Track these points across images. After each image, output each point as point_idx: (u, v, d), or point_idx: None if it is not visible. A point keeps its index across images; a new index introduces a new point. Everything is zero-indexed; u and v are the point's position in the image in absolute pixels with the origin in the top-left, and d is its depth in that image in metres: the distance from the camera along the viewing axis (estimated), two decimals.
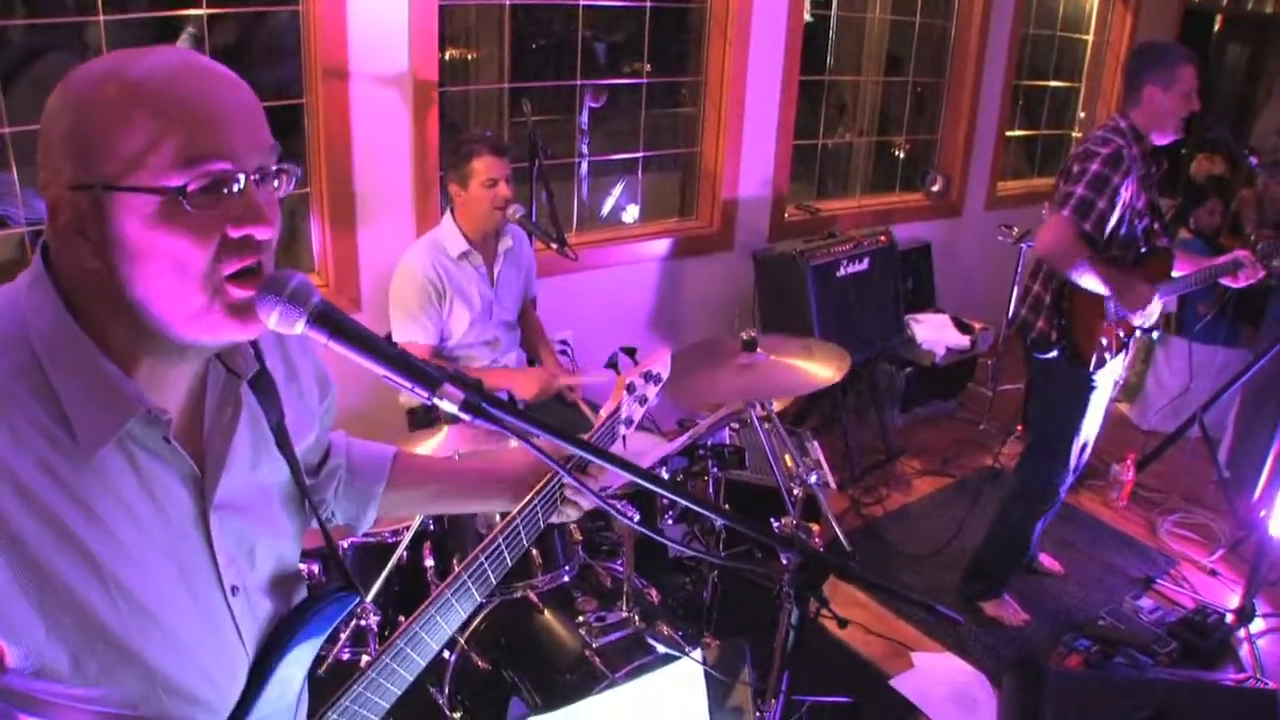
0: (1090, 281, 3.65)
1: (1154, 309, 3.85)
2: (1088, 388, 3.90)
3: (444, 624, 1.68)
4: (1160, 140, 3.77)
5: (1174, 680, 3.50)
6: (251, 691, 1.39)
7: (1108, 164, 3.61)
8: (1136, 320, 3.83)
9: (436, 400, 1.23)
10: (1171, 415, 5.76)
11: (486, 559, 1.72)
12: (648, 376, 1.96)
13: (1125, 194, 3.64)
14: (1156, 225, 3.91)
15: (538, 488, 1.73)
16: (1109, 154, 3.62)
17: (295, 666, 1.47)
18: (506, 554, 1.74)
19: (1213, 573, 4.77)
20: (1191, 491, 5.45)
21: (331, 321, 1.21)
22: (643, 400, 1.96)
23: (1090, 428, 4.04)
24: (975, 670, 3.96)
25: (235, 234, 1.16)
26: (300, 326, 1.20)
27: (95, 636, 1.18)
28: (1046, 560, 4.61)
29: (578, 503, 1.80)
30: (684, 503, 1.53)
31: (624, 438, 1.96)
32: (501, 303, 3.93)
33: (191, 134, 1.12)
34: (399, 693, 1.58)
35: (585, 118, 5.47)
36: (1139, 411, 6.32)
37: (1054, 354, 3.89)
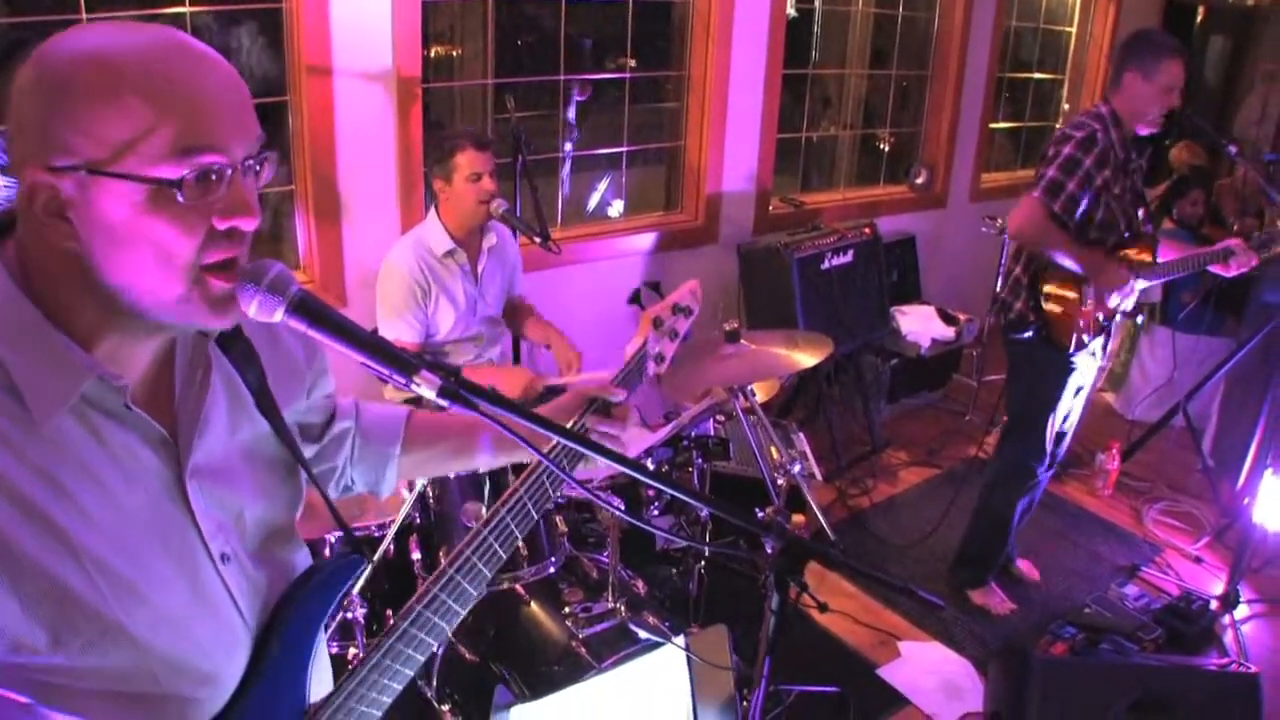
0: (1062, 261, 3.72)
1: (1132, 292, 3.86)
2: (1066, 369, 3.93)
3: (448, 609, 1.54)
4: (1141, 130, 3.79)
5: (1158, 665, 3.51)
6: (257, 663, 1.36)
7: (1080, 147, 3.67)
8: (1113, 302, 3.84)
9: (414, 386, 1.23)
10: (1156, 404, 5.79)
11: (493, 538, 1.58)
12: (676, 309, 1.87)
13: (1099, 178, 3.68)
14: (1140, 212, 3.93)
15: (525, 474, 1.62)
16: (1083, 137, 3.68)
17: (303, 634, 1.42)
18: (514, 527, 1.60)
19: (1197, 560, 4.80)
20: (1176, 480, 5.48)
21: (310, 310, 1.21)
22: (673, 335, 1.88)
23: (1070, 412, 4.06)
24: (962, 659, 3.99)
25: (223, 226, 1.15)
26: (279, 315, 1.20)
27: (74, 611, 1.14)
28: (1024, 566, 4.60)
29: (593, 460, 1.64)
30: (668, 491, 1.53)
31: (657, 376, 1.88)
32: (485, 299, 3.93)
33: (186, 123, 1.10)
34: (400, 689, 1.50)
35: (573, 113, 5.48)
36: (1124, 401, 6.35)
37: (1029, 334, 3.93)
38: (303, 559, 1.50)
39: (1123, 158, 3.76)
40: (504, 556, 1.57)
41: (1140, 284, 3.89)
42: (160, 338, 1.26)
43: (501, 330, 4.10)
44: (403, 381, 1.23)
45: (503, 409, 1.28)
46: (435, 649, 1.47)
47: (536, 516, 1.63)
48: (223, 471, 1.32)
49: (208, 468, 1.29)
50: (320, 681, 1.49)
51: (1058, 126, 7.82)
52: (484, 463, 1.77)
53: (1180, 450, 5.64)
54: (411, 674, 1.48)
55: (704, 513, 3.63)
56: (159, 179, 1.09)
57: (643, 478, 1.46)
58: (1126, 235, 3.88)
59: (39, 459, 1.12)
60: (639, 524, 3.36)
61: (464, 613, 1.52)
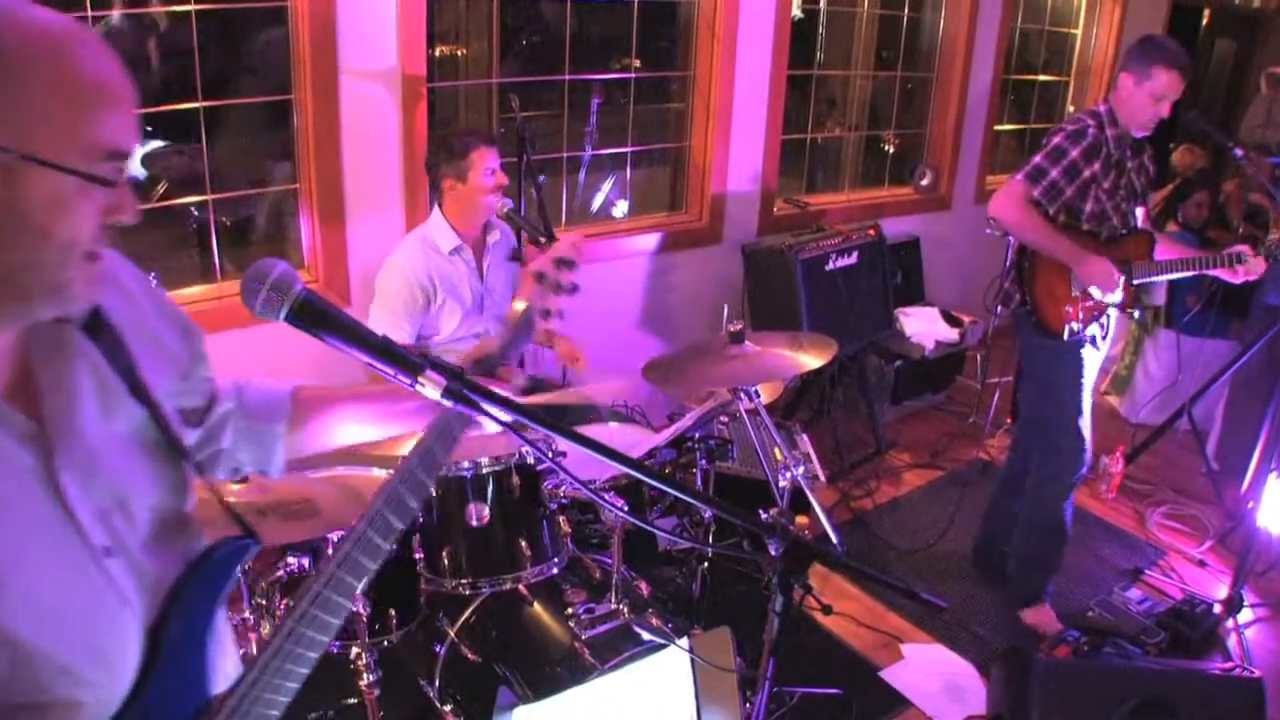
0: (1040, 245, 3.81)
1: (1117, 286, 3.86)
2: (1076, 359, 3.94)
3: (349, 587, 1.42)
4: (1136, 133, 3.83)
5: (1162, 669, 3.51)
6: (152, 658, 1.30)
7: (1069, 138, 3.75)
8: (1095, 294, 3.85)
9: (419, 387, 1.23)
10: (1160, 407, 5.78)
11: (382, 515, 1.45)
12: (559, 263, 1.87)
13: (1087, 170, 3.75)
14: (1139, 210, 3.95)
15: (429, 428, 1.47)
16: (1073, 130, 3.77)
17: (198, 624, 1.37)
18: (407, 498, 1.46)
19: (1201, 563, 4.79)
20: (1180, 483, 5.47)
21: (314, 310, 1.21)
22: (558, 288, 1.87)
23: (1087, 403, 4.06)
24: (964, 661, 3.98)
25: (110, 220, 1.18)
26: (283, 316, 1.20)
27: None
28: None
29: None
30: (671, 492, 1.52)
31: (547, 331, 1.83)
32: (492, 295, 3.93)
33: (120, 124, 1.14)
34: (305, 673, 1.39)
35: (594, 118, 5.49)
36: (1128, 404, 6.34)
37: (1022, 307, 3.96)
38: (199, 543, 1.45)
39: (1116, 154, 3.80)
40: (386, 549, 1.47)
41: (1135, 281, 3.89)
42: (15, 329, 1.24)
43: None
44: (408, 382, 1.23)
45: (504, 408, 1.27)
46: (334, 632, 1.38)
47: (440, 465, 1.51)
48: (99, 461, 1.28)
49: (81, 458, 1.25)
50: (226, 669, 1.45)
51: None
52: (375, 434, 1.70)
53: (1184, 453, 5.64)
54: (316, 656, 1.37)
55: (707, 514, 3.63)
56: (95, 175, 1.12)
57: (646, 479, 1.46)
58: (1122, 232, 3.90)
59: None
60: (643, 524, 3.35)
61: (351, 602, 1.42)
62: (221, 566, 1.40)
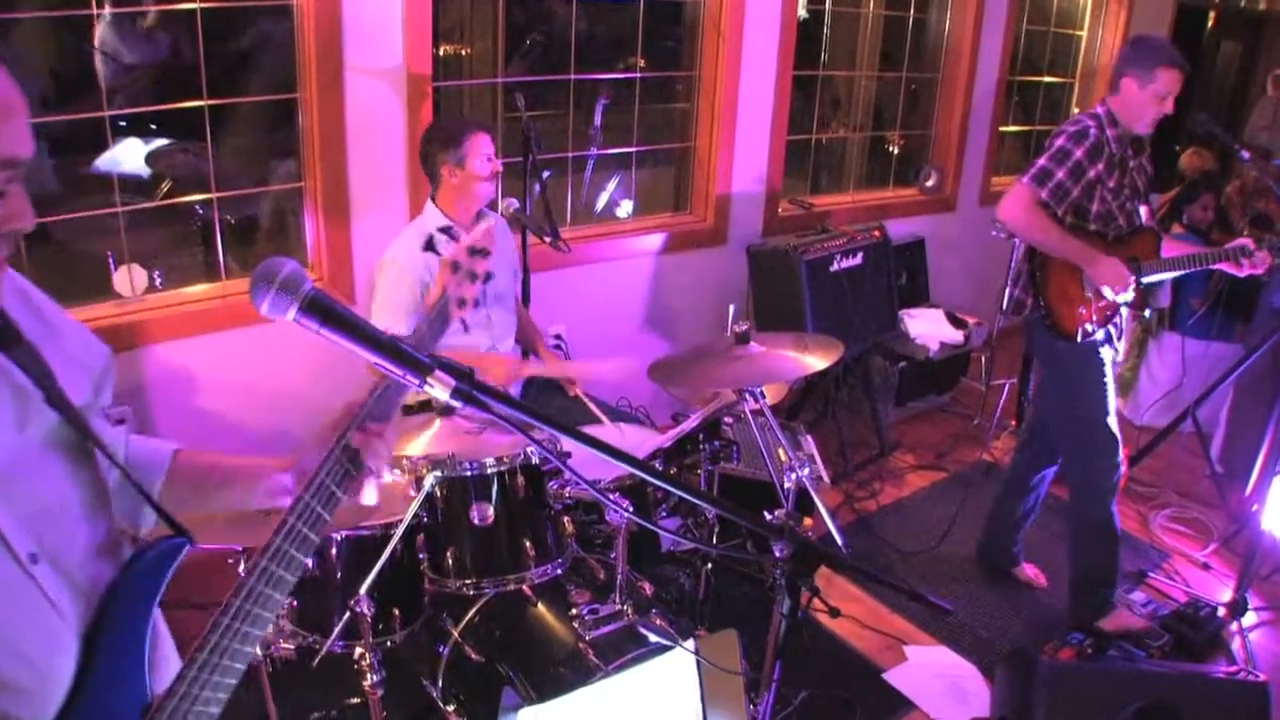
0: (1050, 247, 3.82)
1: (1130, 285, 3.86)
2: (1098, 359, 3.94)
3: (265, 613, 1.42)
4: (1139, 130, 3.86)
5: (1166, 672, 3.50)
6: (87, 663, 1.30)
7: (1072, 139, 3.77)
8: (1108, 294, 3.85)
9: (427, 387, 1.22)
10: (1164, 410, 5.77)
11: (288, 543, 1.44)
12: (472, 251, 1.87)
13: (1092, 170, 3.76)
14: (1143, 208, 3.96)
15: (318, 466, 1.47)
16: (1075, 131, 3.79)
17: (134, 626, 1.37)
18: (307, 532, 1.46)
19: (1205, 567, 4.78)
20: (1184, 486, 5.47)
21: (322, 309, 1.21)
22: (472, 276, 1.88)
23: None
24: (968, 663, 3.98)
25: (6, 229, 1.19)
26: (292, 314, 1.20)
27: None
28: (1030, 570, 4.59)
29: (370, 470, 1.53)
30: (676, 493, 1.52)
31: (462, 320, 1.85)
32: (495, 291, 3.92)
33: (10, 135, 1.14)
34: (243, 668, 1.40)
35: (599, 119, 5.49)
36: (1132, 406, 6.33)
37: (1036, 315, 3.96)
38: (126, 550, 1.46)
39: (1118, 153, 3.82)
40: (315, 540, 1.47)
41: (1144, 279, 3.90)
42: None
43: (514, 321, 4.08)
44: (416, 382, 1.23)
45: (513, 410, 1.27)
46: (270, 625, 1.36)
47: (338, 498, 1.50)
48: (17, 468, 1.27)
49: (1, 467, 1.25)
50: (165, 671, 1.44)
51: None
52: (243, 502, 1.69)
53: (1188, 456, 5.63)
54: (253, 650, 1.40)
55: (711, 514, 3.62)
56: None
57: (651, 479, 1.45)
58: (1128, 231, 3.92)
59: None
60: (648, 525, 3.34)
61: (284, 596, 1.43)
62: (155, 567, 1.39)
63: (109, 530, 1.43)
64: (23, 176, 1.18)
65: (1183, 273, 4.04)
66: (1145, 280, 3.90)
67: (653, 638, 2.71)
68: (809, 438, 4.22)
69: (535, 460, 2.99)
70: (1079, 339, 3.87)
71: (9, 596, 1.23)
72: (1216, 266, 4.04)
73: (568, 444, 2.83)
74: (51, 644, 1.27)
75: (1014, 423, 6.07)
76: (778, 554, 1.62)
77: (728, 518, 3.74)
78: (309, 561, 1.37)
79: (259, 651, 2.81)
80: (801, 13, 5.75)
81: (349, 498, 1.49)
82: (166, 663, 1.46)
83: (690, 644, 2.63)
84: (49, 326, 1.37)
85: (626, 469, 1.43)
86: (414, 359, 1.22)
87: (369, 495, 1.51)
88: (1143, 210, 3.99)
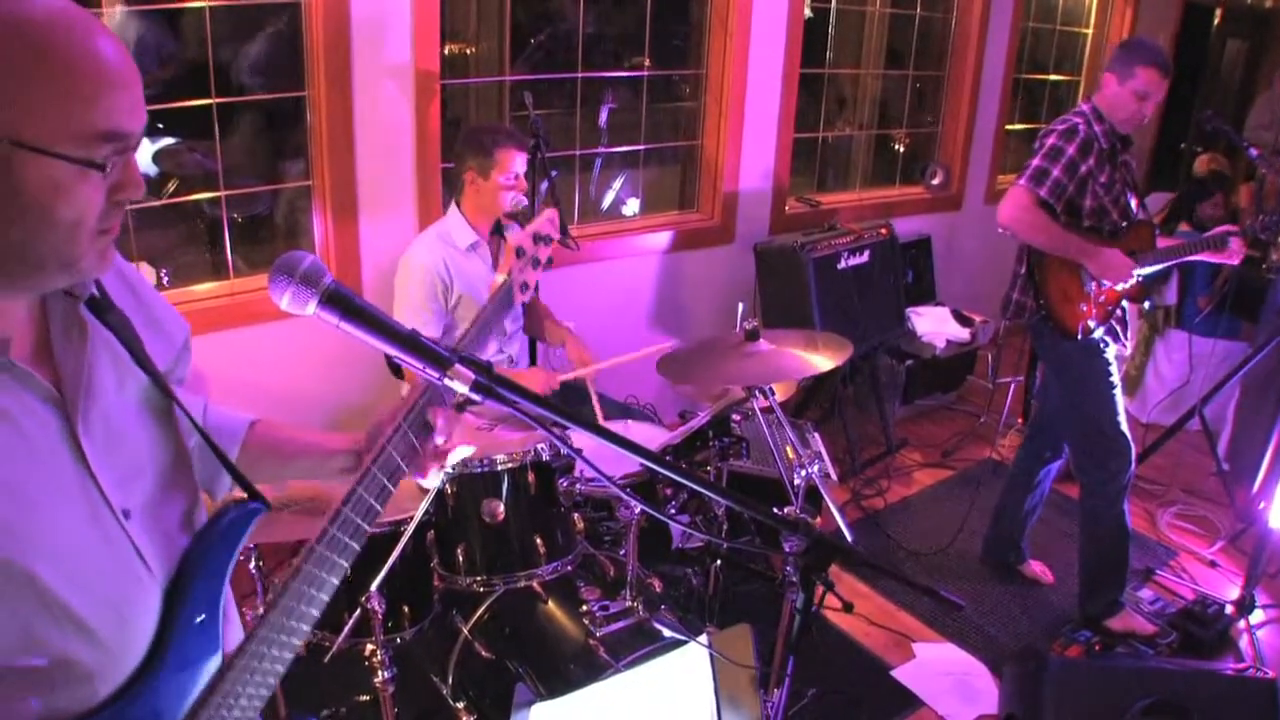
0: (1053, 246, 3.84)
1: (1131, 277, 3.88)
2: (1101, 362, 3.95)
3: (330, 577, 1.42)
4: (1122, 129, 3.89)
5: (1174, 669, 3.50)
6: (170, 618, 1.33)
7: (1062, 137, 3.80)
8: (1115, 287, 3.86)
9: (448, 380, 1.23)
10: (1171, 408, 5.77)
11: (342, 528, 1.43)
12: (537, 238, 1.90)
13: (1084, 166, 3.79)
14: (1134, 200, 3.98)
15: (375, 451, 1.45)
16: (1064, 129, 3.82)
17: (208, 590, 1.40)
18: (373, 502, 1.44)
19: (1212, 564, 4.78)
20: (1191, 484, 5.47)
21: (343, 301, 1.22)
22: (536, 263, 1.91)
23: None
24: (976, 660, 3.98)
25: (120, 197, 1.19)
26: (312, 307, 1.20)
27: None
28: (1037, 567, 4.59)
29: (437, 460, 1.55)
30: (692, 485, 1.51)
31: (523, 306, 1.86)
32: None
33: (116, 107, 1.14)
34: (280, 676, 1.40)
35: (604, 119, 5.49)
36: (1138, 404, 6.32)
37: (1036, 318, 3.98)
38: (204, 514, 1.48)
39: (1107, 147, 3.85)
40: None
41: (1141, 270, 3.91)
42: (33, 295, 1.26)
43: (522, 324, 4.10)
44: (436, 375, 1.23)
45: (533, 404, 1.27)
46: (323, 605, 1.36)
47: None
48: (117, 426, 1.31)
49: (100, 423, 1.28)
50: (230, 631, 1.47)
51: None
52: (309, 476, 1.74)
53: (1195, 454, 5.63)
54: (316, 614, 1.41)
55: (721, 511, 3.63)
56: (88, 161, 1.13)
57: (665, 471, 1.45)
58: (1123, 224, 3.95)
59: None
60: (661, 517, 3.35)
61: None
62: (230, 531, 1.43)
63: (192, 492, 1.46)
64: (135, 148, 1.19)
65: (1176, 262, 4.06)
66: (1142, 272, 3.92)
67: (667, 633, 2.71)
68: (816, 435, 4.23)
69: (545, 457, 3.00)
70: (1081, 337, 3.88)
71: (106, 547, 1.26)
72: (1201, 256, 4.07)
73: (581, 438, 2.85)
74: (140, 597, 1.30)
75: (1020, 421, 6.07)
76: (789, 549, 1.62)
77: (738, 512, 3.76)
78: (368, 530, 1.37)
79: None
80: (807, 12, 5.74)
81: (413, 475, 1.51)
82: (231, 623, 1.48)
83: (704, 639, 2.63)
84: (138, 298, 1.41)
85: (640, 463, 1.42)
86: (434, 352, 1.23)
87: (433, 478, 1.54)
88: (1133, 202, 4.00)
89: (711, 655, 2.58)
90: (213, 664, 1.39)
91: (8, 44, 1.08)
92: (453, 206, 3.89)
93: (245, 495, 1.47)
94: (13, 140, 1.09)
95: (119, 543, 1.28)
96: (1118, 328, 3.99)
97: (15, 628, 1.16)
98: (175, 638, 1.33)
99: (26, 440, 1.19)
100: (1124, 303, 3.98)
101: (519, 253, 1.85)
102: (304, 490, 2.73)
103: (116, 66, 1.15)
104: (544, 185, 4.25)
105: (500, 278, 1.84)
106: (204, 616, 1.38)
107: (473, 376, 1.23)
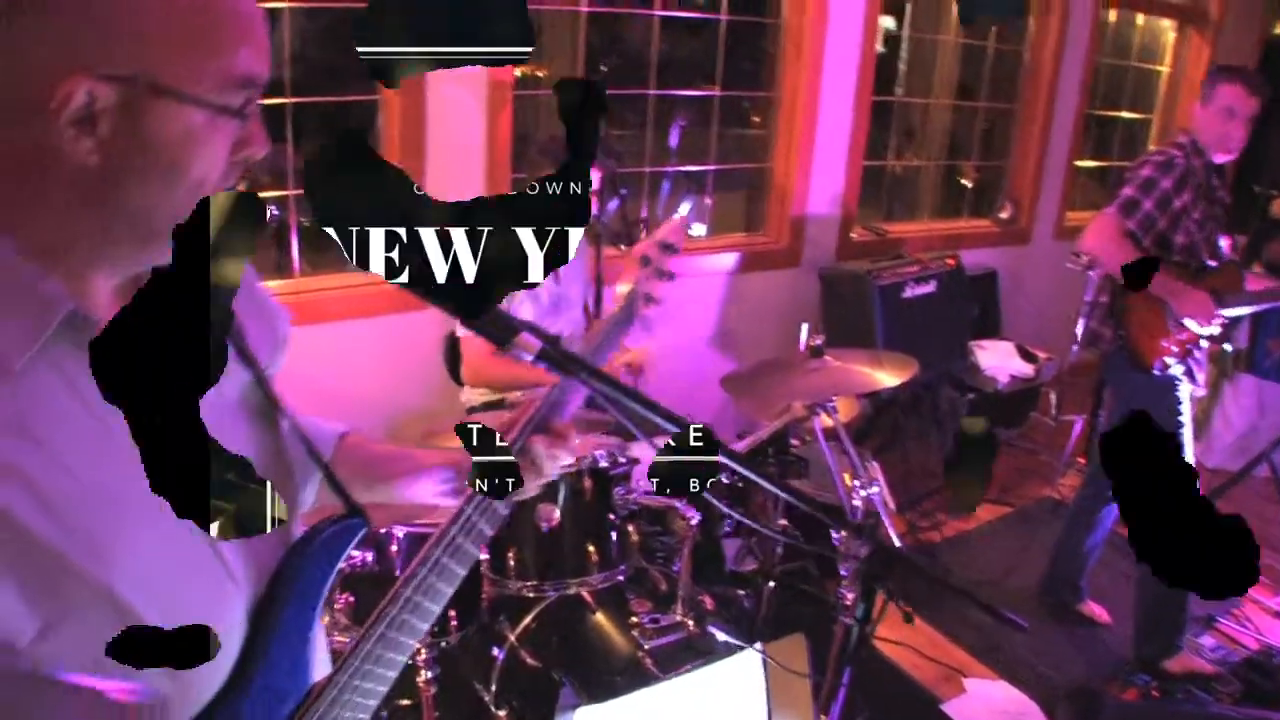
0: None
1: (1215, 318, 3.80)
2: (1172, 399, 3.88)
3: (430, 605, 1.39)
4: (1218, 158, 3.84)
5: (1236, 717, 3.42)
6: (257, 633, 1.24)
7: (1158, 169, 3.74)
8: (1191, 326, 3.79)
9: (512, 349, 1.20)
10: (1238, 453, 5.67)
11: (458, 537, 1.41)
12: (663, 247, 1.82)
13: (1178, 201, 3.72)
14: (1225, 240, 3.92)
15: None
16: (1160, 160, 3.77)
17: (300, 611, 1.29)
18: (481, 524, 1.43)
19: (1277, 615, 4.67)
20: (1258, 532, 5.22)
21: None
22: (660, 273, 1.82)
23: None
24: (1028, 699, 3.90)
25: (240, 155, 1.12)
26: None
27: (58, 573, 1.04)
28: (1095, 608, 4.50)
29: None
30: (755, 478, 1.48)
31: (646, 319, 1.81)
32: (568, 297, 3.92)
33: (252, 50, 1.07)
34: (373, 712, 1.38)
35: (675, 139, 5.50)
36: (1204, 448, 6.21)
37: (1113, 347, 3.94)
38: (298, 526, 1.39)
39: (1203, 182, 3.79)
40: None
41: (1226, 311, 3.83)
42: (122, 278, 1.17)
43: (581, 329, 4.09)
44: (501, 343, 1.20)
45: (597, 380, 1.24)
46: (423, 634, 1.30)
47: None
48: (210, 422, 1.15)
49: None
50: (319, 660, 1.36)
51: None
52: (392, 498, 1.61)
53: (1261, 502, 5.50)
54: (413, 644, 1.35)
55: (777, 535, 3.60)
56: (226, 107, 1.06)
57: (734, 465, 1.42)
58: (1212, 264, 3.88)
59: (6, 407, 1.03)
60: (718, 505, 3.27)
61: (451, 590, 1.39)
62: (327, 548, 1.32)
63: (289, 502, 1.38)
64: (258, 99, 1.11)
65: (1265, 307, 3.99)
66: (1228, 313, 3.84)
67: (721, 638, 2.68)
68: (875, 463, 4.18)
69: (603, 464, 2.97)
70: (1157, 372, 3.81)
71: (192, 561, 1.18)
72: None
73: (638, 449, 2.82)
74: (227, 615, 1.22)
75: (1082, 460, 5.97)
76: (843, 548, 1.58)
77: (793, 537, 3.71)
78: (479, 554, 1.32)
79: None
80: (879, 48, 5.73)
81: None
82: (319, 650, 1.38)
83: (758, 645, 2.59)
84: (248, 287, 1.30)
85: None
86: (499, 321, 1.20)
87: (530, 488, 1.49)
88: (1224, 242, 3.94)
89: (765, 666, 2.55)
90: (298, 695, 1.29)
91: None
92: None
93: (344, 511, 1.36)
94: (150, 83, 1.01)
95: (205, 555, 1.20)
96: (1194, 367, 3.91)
97: (88, 647, 1.05)
98: (260, 664, 1.25)
99: (114, 442, 1.05)
100: (1203, 343, 3.90)
101: (644, 261, 1.77)
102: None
103: (251, 7, 1.09)
104: (612, 204, 4.24)
105: (624, 288, 1.75)
106: (294, 641, 1.28)
107: (538, 345, 1.20)
